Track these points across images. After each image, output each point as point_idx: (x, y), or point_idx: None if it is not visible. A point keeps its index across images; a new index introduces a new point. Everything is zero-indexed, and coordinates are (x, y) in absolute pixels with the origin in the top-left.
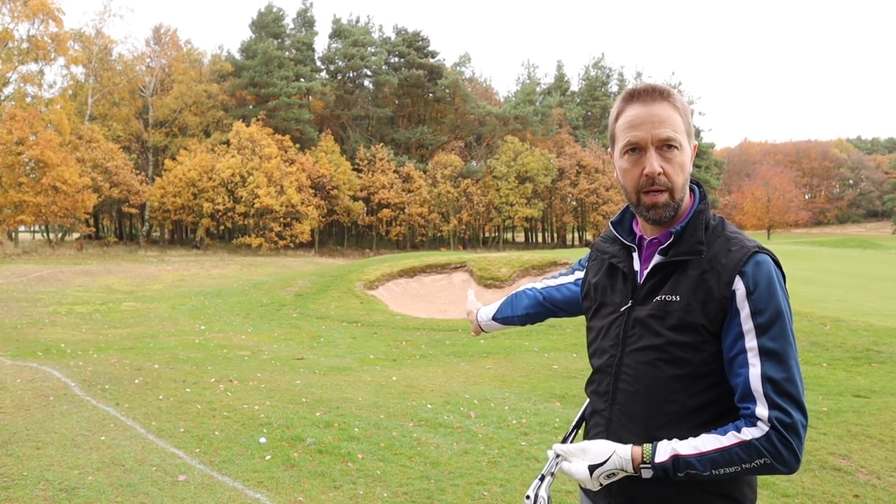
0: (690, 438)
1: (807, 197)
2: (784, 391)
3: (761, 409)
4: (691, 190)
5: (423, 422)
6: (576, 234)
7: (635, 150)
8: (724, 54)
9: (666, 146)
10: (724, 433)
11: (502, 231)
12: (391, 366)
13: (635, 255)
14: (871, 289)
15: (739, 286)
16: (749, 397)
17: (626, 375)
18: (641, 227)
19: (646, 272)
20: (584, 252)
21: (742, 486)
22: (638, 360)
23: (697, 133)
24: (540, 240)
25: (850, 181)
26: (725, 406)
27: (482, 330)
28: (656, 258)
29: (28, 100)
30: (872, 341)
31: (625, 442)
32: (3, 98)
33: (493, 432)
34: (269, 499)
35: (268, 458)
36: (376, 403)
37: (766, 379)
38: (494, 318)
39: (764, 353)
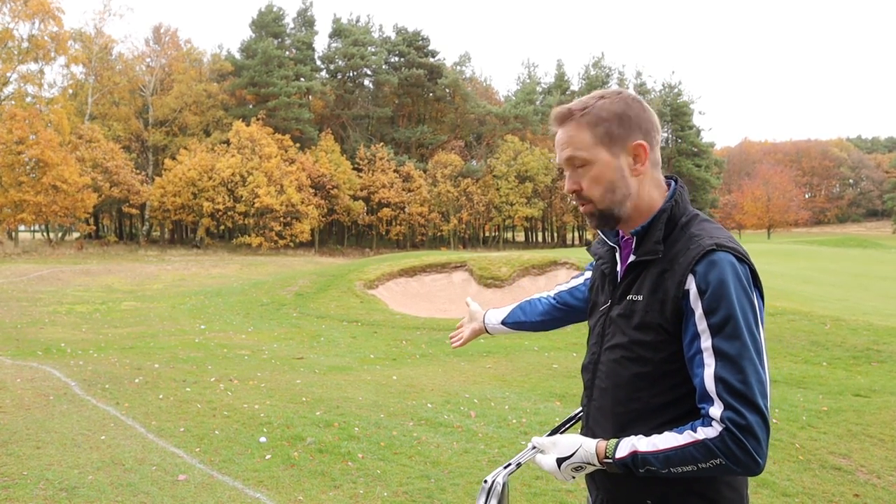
0: (653, 436)
1: (807, 196)
2: (736, 392)
3: (715, 410)
4: (667, 186)
5: (423, 421)
6: (576, 234)
7: (564, 171)
8: (724, 54)
9: (574, 165)
10: (682, 432)
11: (502, 230)
12: (391, 365)
13: (618, 255)
14: (872, 288)
15: (692, 286)
16: (705, 397)
17: (600, 372)
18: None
19: (622, 272)
20: (583, 252)
21: (719, 486)
22: (609, 357)
23: (701, 130)
24: (540, 239)
25: (851, 180)
26: (690, 405)
27: (487, 331)
28: (632, 257)
29: (28, 99)
30: (873, 340)
31: (598, 437)
32: (3, 97)
33: (494, 431)
34: (269, 498)
35: (268, 457)
36: (376, 403)
37: (718, 379)
38: (504, 323)
39: (717, 353)
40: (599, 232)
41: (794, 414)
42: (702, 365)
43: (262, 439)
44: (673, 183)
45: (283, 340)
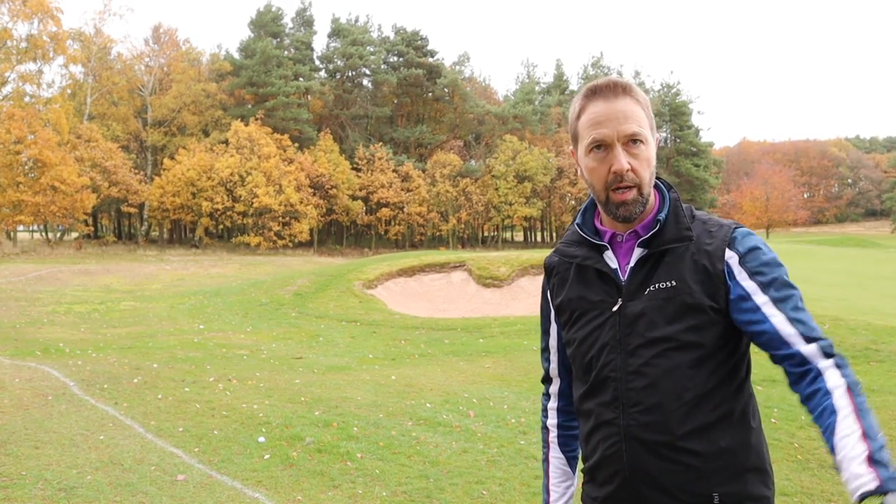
0: (839, 435)
1: (805, 196)
2: (812, 328)
3: (807, 348)
4: (655, 185)
5: (421, 421)
6: None
7: (601, 147)
8: (723, 54)
9: (632, 141)
10: (833, 403)
11: (501, 230)
12: (390, 365)
13: (607, 253)
14: (870, 288)
15: (731, 256)
16: (783, 342)
17: (634, 375)
18: (610, 225)
19: (629, 266)
20: None
21: (770, 481)
22: (645, 355)
23: (700, 130)
24: (539, 239)
25: (849, 180)
26: (734, 385)
27: None
28: (638, 251)
29: (27, 99)
30: (871, 340)
31: (646, 442)
32: (1, 97)
33: (492, 431)
34: (267, 498)
35: (267, 457)
36: (375, 402)
37: (795, 321)
38: (569, 474)
39: (779, 302)
40: (580, 231)
41: (793, 413)
42: (766, 318)
43: (261, 439)
44: (658, 180)
45: (282, 340)
